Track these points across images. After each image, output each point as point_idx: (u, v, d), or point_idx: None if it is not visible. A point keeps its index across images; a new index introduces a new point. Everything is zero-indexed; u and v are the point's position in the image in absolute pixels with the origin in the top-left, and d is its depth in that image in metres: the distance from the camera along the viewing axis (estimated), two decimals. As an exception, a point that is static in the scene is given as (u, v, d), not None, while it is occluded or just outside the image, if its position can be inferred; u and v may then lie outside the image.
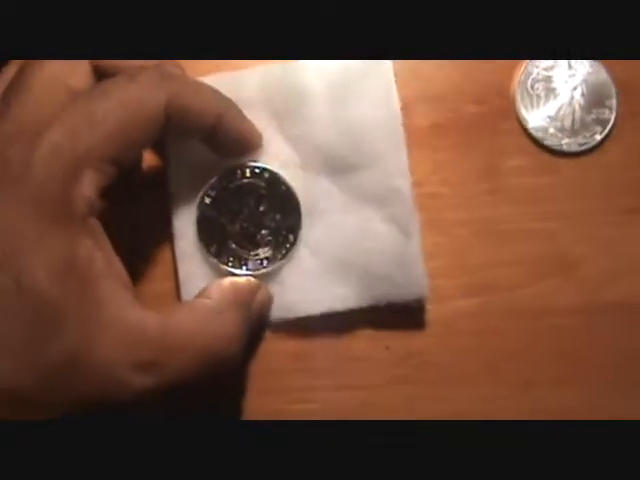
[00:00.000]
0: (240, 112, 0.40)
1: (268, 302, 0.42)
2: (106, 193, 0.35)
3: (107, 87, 0.35)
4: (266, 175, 0.43)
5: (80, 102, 0.34)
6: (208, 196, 0.43)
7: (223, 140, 0.39)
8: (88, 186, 0.33)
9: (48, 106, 0.33)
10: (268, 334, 0.43)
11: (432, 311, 0.44)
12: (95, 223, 0.34)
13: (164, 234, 0.44)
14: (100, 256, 0.33)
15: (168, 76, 0.36)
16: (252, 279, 0.41)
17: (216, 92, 0.39)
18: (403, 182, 0.43)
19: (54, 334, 0.31)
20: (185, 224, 0.43)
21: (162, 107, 0.35)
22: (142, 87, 0.34)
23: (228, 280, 0.40)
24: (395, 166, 0.43)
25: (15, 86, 0.33)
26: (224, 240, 0.43)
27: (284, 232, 0.43)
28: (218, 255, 0.43)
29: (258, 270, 0.43)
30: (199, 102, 0.37)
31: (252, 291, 0.40)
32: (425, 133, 0.45)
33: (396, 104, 0.43)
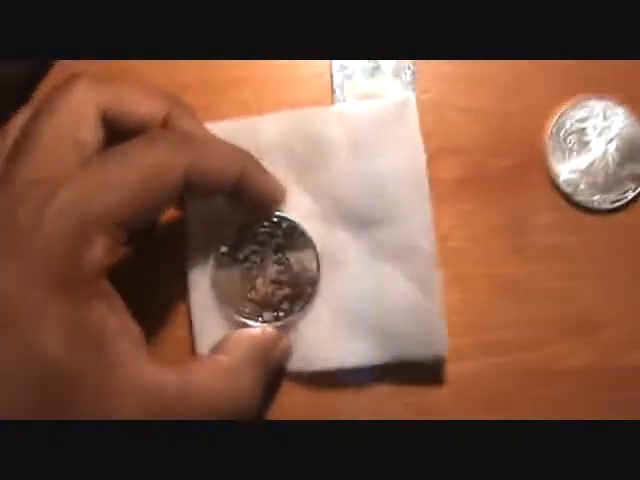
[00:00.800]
0: (261, 167, 0.39)
1: (287, 354, 0.40)
2: (118, 253, 0.36)
3: (125, 151, 0.33)
4: (284, 225, 0.41)
5: (95, 164, 0.33)
6: (225, 245, 0.41)
7: (245, 197, 0.38)
8: (98, 249, 0.32)
9: (56, 162, 0.32)
10: (284, 383, 0.42)
11: (451, 369, 0.43)
12: (105, 284, 0.33)
13: (180, 285, 0.43)
14: (113, 318, 0.32)
15: (187, 139, 0.34)
16: (271, 330, 0.40)
17: (236, 149, 0.37)
18: (425, 240, 0.41)
19: (68, 401, 0.30)
20: (200, 274, 0.42)
21: (182, 173, 0.33)
22: (161, 153, 0.33)
23: (246, 334, 0.39)
24: (418, 224, 0.41)
25: (22, 142, 0.32)
26: (242, 292, 0.41)
27: (302, 284, 0.41)
28: (235, 306, 0.41)
29: (274, 322, 0.41)
30: (219, 163, 0.36)
31: (272, 344, 0.39)
32: (450, 186, 0.44)
33: (421, 156, 0.42)
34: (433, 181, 0.42)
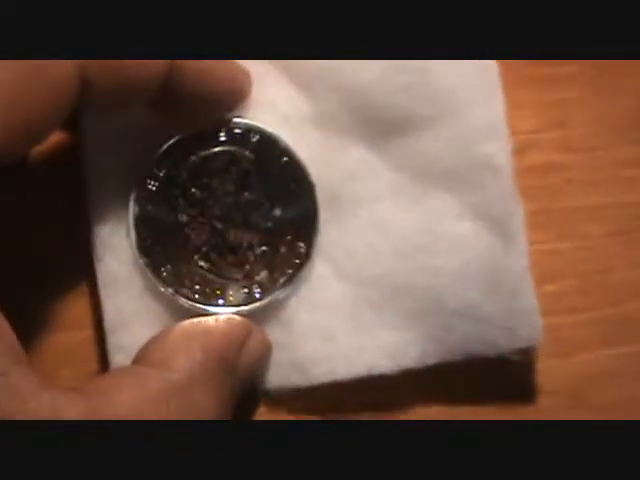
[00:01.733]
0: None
1: (263, 355, 0.28)
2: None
3: None
4: (254, 139, 0.29)
5: None
6: (153, 179, 0.28)
7: (184, 96, 0.27)
8: None
9: None
10: (264, 401, 0.30)
11: (549, 369, 0.30)
12: None
13: (78, 256, 0.30)
14: None
15: None
16: (235, 318, 0.28)
17: None
18: (497, 147, 0.28)
19: None
20: (112, 231, 0.29)
21: (74, 67, 0.24)
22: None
23: (194, 328, 0.27)
24: (484, 120, 0.29)
25: None
26: (184, 255, 0.28)
27: (289, 237, 0.28)
28: (174, 282, 0.28)
29: (245, 305, 0.28)
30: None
31: (237, 341, 0.27)
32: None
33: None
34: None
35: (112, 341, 0.28)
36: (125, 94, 0.25)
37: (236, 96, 0.28)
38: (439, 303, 0.28)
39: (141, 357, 0.26)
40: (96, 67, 0.24)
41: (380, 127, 0.29)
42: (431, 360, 0.28)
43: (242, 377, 0.27)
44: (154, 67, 0.25)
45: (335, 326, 0.28)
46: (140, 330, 0.28)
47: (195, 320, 0.27)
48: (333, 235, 0.29)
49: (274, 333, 0.28)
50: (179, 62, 0.25)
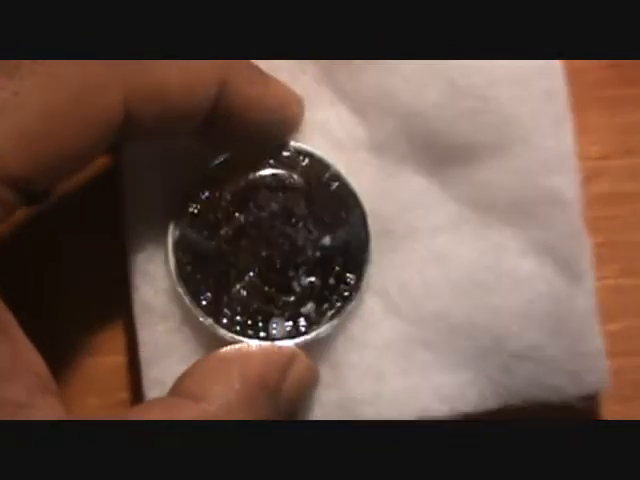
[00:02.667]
0: (257, 68, 0.26)
1: (308, 383, 0.26)
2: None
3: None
4: (304, 162, 0.27)
5: None
6: (194, 202, 0.27)
7: (229, 125, 0.26)
8: None
9: None
10: None
11: (611, 415, 0.28)
12: None
13: (115, 284, 0.28)
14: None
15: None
16: (280, 346, 0.26)
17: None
18: (566, 181, 0.27)
19: None
20: (150, 257, 0.27)
21: (120, 93, 0.23)
22: (92, 66, 0.23)
23: (234, 357, 0.25)
24: (553, 151, 0.27)
25: None
26: (225, 283, 0.27)
27: (337, 268, 0.27)
28: (214, 311, 0.26)
29: (289, 338, 0.26)
30: (182, 74, 0.24)
31: (279, 367, 0.25)
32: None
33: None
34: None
35: (147, 374, 0.27)
36: (170, 124, 0.24)
37: (286, 125, 0.27)
38: (499, 344, 0.26)
39: (176, 388, 0.24)
40: (141, 96, 0.23)
41: (440, 155, 0.27)
42: (489, 405, 0.26)
43: (285, 406, 0.25)
44: (201, 95, 0.24)
45: (386, 366, 0.26)
46: (177, 363, 0.26)
47: (233, 347, 0.25)
48: (386, 268, 0.27)
49: (320, 370, 0.26)
50: (227, 90, 0.24)
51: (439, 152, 0.27)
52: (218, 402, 0.23)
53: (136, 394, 0.28)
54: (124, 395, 0.28)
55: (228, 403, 0.23)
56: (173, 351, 0.26)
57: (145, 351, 0.27)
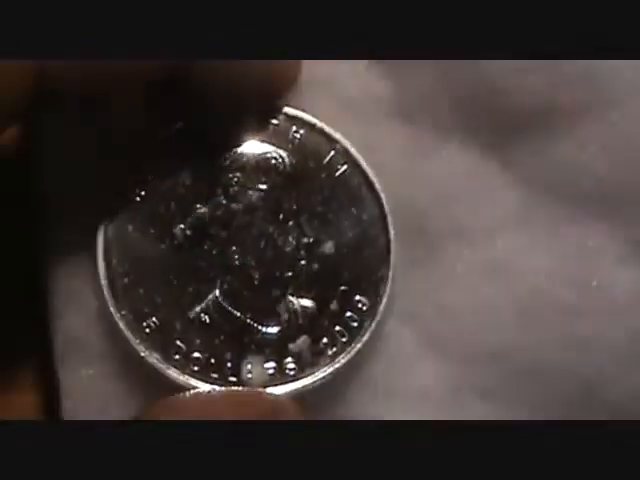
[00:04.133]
0: None
1: None
2: None
3: None
4: (299, 135, 0.21)
5: None
6: (138, 188, 0.21)
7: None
8: None
9: None
10: None
11: None
12: None
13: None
14: None
15: None
16: (256, 393, 0.21)
17: None
18: None
19: None
20: (76, 271, 0.22)
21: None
22: None
23: (188, 402, 0.20)
24: None
25: None
26: (180, 303, 0.21)
27: (343, 288, 0.21)
28: (162, 345, 0.20)
29: (272, 387, 0.21)
30: None
31: (261, 419, 0.20)
32: None
33: None
34: None
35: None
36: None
37: (275, 82, 0.21)
38: (589, 393, 0.21)
39: None
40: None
41: (501, 121, 0.22)
42: None
43: None
44: None
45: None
46: (107, 404, 0.21)
47: (188, 393, 0.20)
48: (419, 284, 0.22)
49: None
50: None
51: (500, 117, 0.22)
52: None
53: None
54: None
55: None
56: (108, 404, 0.21)
57: (70, 405, 0.21)
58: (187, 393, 0.20)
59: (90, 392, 0.21)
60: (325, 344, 0.20)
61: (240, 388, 0.21)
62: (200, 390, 0.20)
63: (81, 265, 0.21)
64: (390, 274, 0.21)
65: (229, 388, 0.20)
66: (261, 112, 0.21)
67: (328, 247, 0.21)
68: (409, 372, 0.22)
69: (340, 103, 0.22)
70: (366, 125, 0.22)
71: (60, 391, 0.22)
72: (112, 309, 0.20)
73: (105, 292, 0.20)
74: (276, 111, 0.21)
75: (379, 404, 0.22)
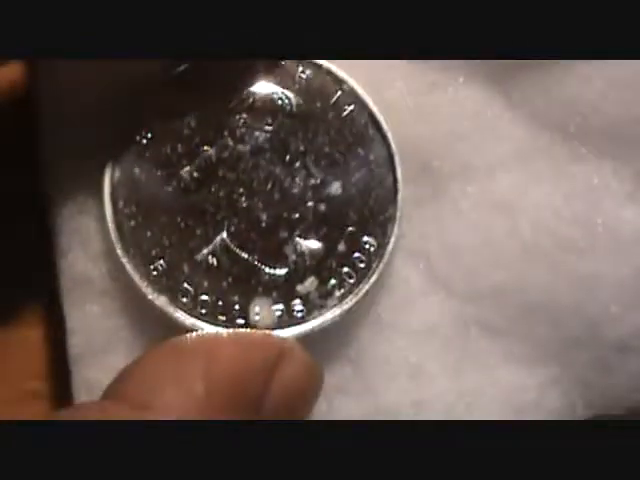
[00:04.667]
0: None
1: (307, 388, 0.20)
2: None
3: None
4: (305, 75, 0.21)
5: None
6: (144, 129, 0.20)
7: None
8: None
9: None
10: None
11: None
12: None
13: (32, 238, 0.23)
14: None
15: None
16: (261, 332, 0.20)
17: None
18: None
19: None
20: (81, 209, 0.21)
21: None
22: None
23: (195, 342, 0.19)
24: None
25: None
26: (187, 246, 0.20)
27: (351, 228, 0.20)
28: (169, 287, 0.20)
29: (279, 329, 0.20)
30: None
31: (263, 365, 0.19)
32: None
33: None
34: None
35: (77, 373, 0.21)
36: None
37: None
38: (593, 331, 0.21)
39: (113, 389, 0.19)
40: None
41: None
42: (578, 415, 0.21)
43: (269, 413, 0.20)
44: None
45: (430, 360, 0.21)
46: (118, 358, 0.21)
47: (195, 335, 0.19)
48: (426, 223, 0.21)
49: (333, 369, 0.21)
50: None
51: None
52: (169, 413, 0.18)
53: (56, 388, 0.23)
54: (36, 386, 0.23)
55: (185, 415, 0.18)
56: (113, 342, 0.21)
57: (75, 341, 0.21)
58: (193, 334, 0.20)
59: (95, 329, 0.21)
60: (333, 285, 0.20)
61: (247, 330, 0.20)
62: (206, 332, 0.20)
63: (87, 206, 0.21)
64: (398, 215, 0.20)
65: (236, 330, 0.20)
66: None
67: (335, 188, 0.20)
68: (415, 309, 0.22)
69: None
70: (371, 62, 0.21)
71: (66, 327, 0.22)
72: (119, 251, 0.20)
73: (112, 234, 0.20)
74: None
75: (386, 342, 0.21)
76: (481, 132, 0.22)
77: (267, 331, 0.20)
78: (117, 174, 0.20)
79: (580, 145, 0.21)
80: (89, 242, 0.21)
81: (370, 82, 0.21)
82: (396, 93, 0.21)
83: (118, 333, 0.21)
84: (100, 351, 0.21)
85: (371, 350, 0.21)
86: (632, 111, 0.21)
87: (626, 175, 0.21)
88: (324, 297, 0.20)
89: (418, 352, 0.21)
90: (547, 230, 0.21)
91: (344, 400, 0.21)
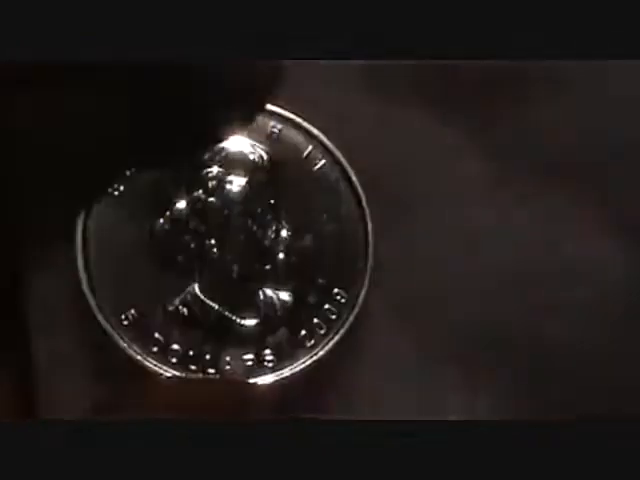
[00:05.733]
0: None
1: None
2: None
3: None
4: (277, 129, 0.20)
5: None
6: (116, 182, 0.20)
7: None
8: None
9: None
10: None
11: None
12: None
13: None
14: None
15: None
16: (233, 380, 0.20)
17: None
18: None
19: None
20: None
21: None
22: None
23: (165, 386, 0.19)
24: None
25: None
26: (159, 295, 0.20)
27: (321, 281, 0.20)
28: (139, 335, 0.20)
29: (251, 377, 0.20)
30: None
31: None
32: None
33: None
34: None
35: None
36: None
37: None
38: (554, 361, 0.21)
39: None
40: None
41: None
42: None
43: None
44: None
45: (396, 396, 0.20)
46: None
47: (161, 377, 0.19)
48: (391, 256, 0.21)
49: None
50: None
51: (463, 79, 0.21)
52: None
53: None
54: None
55: None
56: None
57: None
58: (162, 377, 0.19)
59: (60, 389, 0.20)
60: (304, 336, 0.20)
61: (217, 377, 0.19)
62: (174, 375, 0.19)
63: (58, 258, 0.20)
64: (369, 267, 0.20)
65: (206, 376, 0.19)
66: (244, 109, 0.20)
67: (306, 240, 0.20)
68: (382, 338, 0.21)
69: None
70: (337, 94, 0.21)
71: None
72: (90, 301, 0.19)
73: (83, 284, 0.19)
74: (259, 109, 0.20)
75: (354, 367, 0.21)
76: (441, 162, 0.21)
77: (238, 378, 0.20)
78: (89, 223, 0.19)
79: (542, 176, 0.21)
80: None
81: (332, 117, 0.20)
82: (356, 124, 0.21)
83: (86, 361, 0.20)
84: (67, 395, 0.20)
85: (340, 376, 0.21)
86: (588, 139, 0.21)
87: (589, 203, 0.21)
88: (294, 348, 0.19)
89: (384, 386, 0.20)
90: (508, 260, 0.21)
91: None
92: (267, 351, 0.19)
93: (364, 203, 0.20)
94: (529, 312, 0.20)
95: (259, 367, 0.19)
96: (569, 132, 0.21)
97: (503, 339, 0.20)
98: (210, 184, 0.19)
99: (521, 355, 0.20)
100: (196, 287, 0.19)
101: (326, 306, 0.20)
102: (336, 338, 0.19)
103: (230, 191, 0.20)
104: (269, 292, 0.20)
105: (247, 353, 0.19)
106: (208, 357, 0.19)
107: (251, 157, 0.20)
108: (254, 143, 0.20)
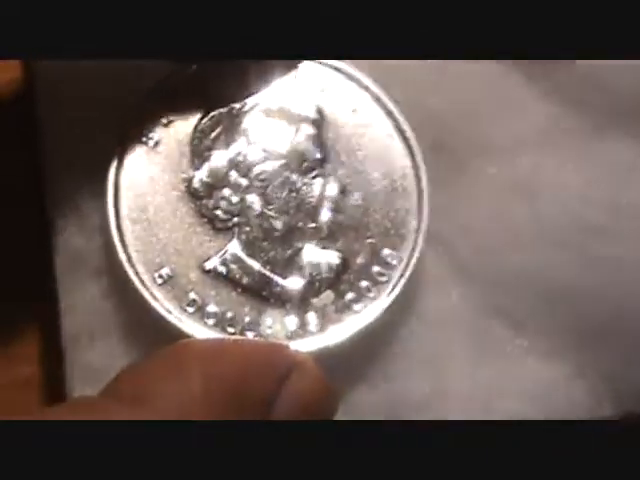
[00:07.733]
0: None
1: (315, 402, 0.18)
2: None
3: None
4: (339, 86, 0.19)
5: None
6: (148, 130, 0.19)
7: None
8: None
9: None
10: None
11: None
12: None
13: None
14: None
15: None
16: (270, 342, 0.19)
17: None
18: None
19: None
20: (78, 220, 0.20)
21: None
22: None
23: (198, 346, 0.18)
24: None
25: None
26: (194, 254, 0.19)
27: (370, 241, 0.19)
28: (174, 296, 0.18)
29: (292, 341, 0.18)
30: None
31: (271, 374, 0.17)
32: None
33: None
34: None
35: (71, 355, 0.19)
36: None
37: None
38: (620, 321, 0.20)
39: (110, 388, 0.18)
40: None
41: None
42: (605, 412, 0.20)
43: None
44: None
45: (451, 352, 0.20)
46: (112, 342, 0.19)
47: (199, 339, 0.18)
48: (443, 206, 0.20)
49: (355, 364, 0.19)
50: None
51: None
52: (165, 411, 0.17)
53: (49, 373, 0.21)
54: (28, 371, 0.21)
55: (182, 413, 0.17)
56: (109, 325, 0.19)
57: (69, 322, 0.19)
58: (196, 338, 0.18)
59: (90, 310, 0.19)
60: (350, 300, 0.18)
61: (257, 339, 0.18)
62: (214, 338, 0.18)
63: (87, 214, 0.19)
64: (423, 227, 0.19)
65: (244, 337, 0.18)
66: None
67: (355, 198, 0.19)
68: (435, 295, 0.20)
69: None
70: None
71: (60, 307, 0.20)
72: (121, 256, 0.18)
73: (115, 241, 0.18)
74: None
75: (406, 335, 0.20)
76: (502, 110, 0.20)
77: (279, 342, 0.18)
78: (121, 178, 0.19)
79: (606, 125, 0.20)
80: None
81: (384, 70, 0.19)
82: (416, 70, 0.20)
83: (115, 316, 0.19)
84: (95, 333, 0.19)
85: (391, 345, 0.20)
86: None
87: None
88: (340, 312, 0.18)
89: (439, 345, 0.20)
90: (572, 213, 0.20)
91: (362, 388, 0.20)
92: (311, 314, 0.18)
93: (418, 159, 0.19)
94: (582, 267, 0.20)
95: (302, 331, 0.18)
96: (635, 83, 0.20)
97: (563, 296, 0.19)
98: (252, 135, 0.19)
99: (584, 310, 0.20)
100: (236, 245, 0.18)
101: (375, 268, 0.18)
102: (386, 302, 0.18)
103: (274, 143, 0.19)
104: (314, 252, 0.19)
105: (289, 316, 0.18)
106: (247, 319, 0.18)
107: (297, 109, 0.19)
108: (301, 94, 0.19)
